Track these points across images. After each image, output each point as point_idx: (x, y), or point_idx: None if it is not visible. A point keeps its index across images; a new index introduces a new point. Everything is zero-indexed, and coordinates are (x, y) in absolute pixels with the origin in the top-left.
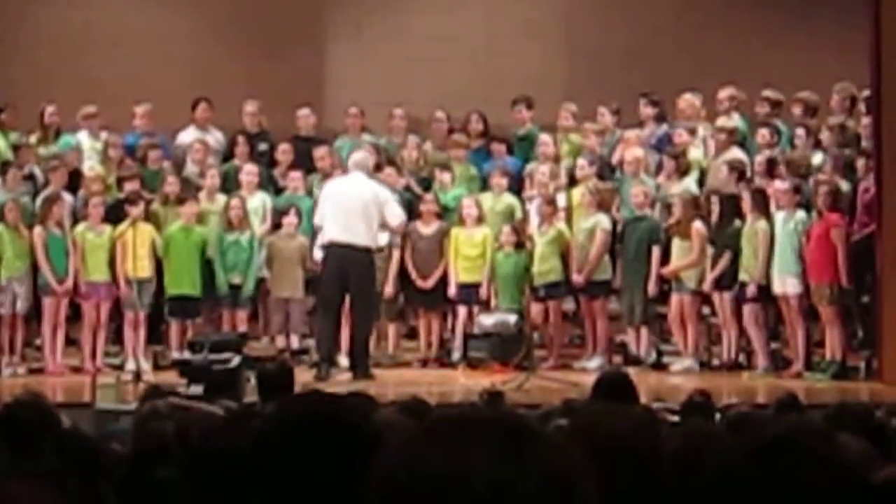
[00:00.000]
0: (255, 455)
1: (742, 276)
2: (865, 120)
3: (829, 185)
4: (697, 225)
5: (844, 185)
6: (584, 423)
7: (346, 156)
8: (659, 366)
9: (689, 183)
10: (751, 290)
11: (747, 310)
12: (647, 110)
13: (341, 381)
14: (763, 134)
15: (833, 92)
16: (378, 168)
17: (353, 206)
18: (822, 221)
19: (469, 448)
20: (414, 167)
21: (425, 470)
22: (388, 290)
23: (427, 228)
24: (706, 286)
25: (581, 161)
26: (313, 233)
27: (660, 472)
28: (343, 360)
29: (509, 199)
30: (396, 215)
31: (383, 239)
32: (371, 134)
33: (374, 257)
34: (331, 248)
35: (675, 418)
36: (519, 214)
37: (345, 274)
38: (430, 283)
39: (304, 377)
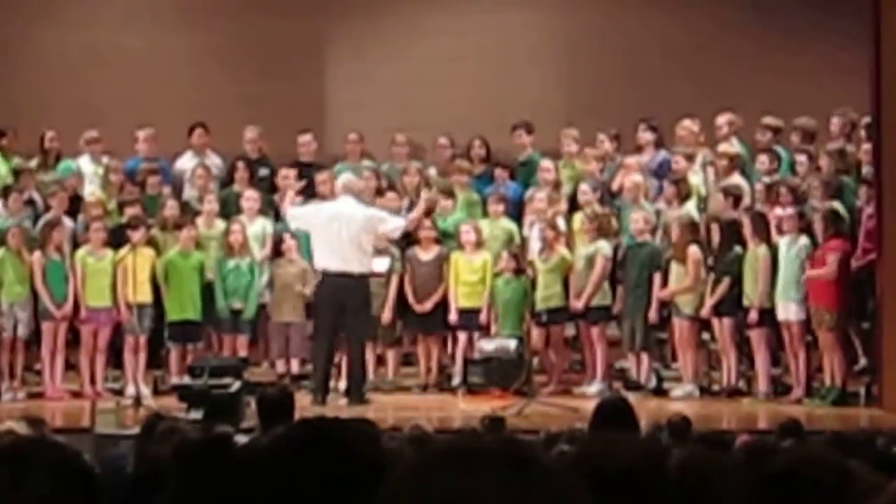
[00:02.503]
0: (260, 479)
1: (745, 302)
2: (866, 146)
3: (824, 210)
4: (693, 249)
5: (840, 208)
6: (589, 451)
7: None
8: (659, 391)
9: (690, 208)
10: (752, 316)
11: (754, 335)
12: (645, 135)
13: (338, 407)
14: (763, 160)
15: (833, 117)
16: (379, 193)
17: (343, 233)
18: (822, 246)
19: (476, 476)
20: (416, 192)
21: (432, 498)
22: (387, 315)
23: (426, 254)
24: (705, 312)
25: (584, 187)
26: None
27: (664, 501)
28: (341, 385)
29: (507, 224)
30: (397, 226)
31: (383, 265)
32: (371, 160)
33: (368, 283)
34: (324, 277)
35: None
36: (517, 240)
37: (339, 302)
38: (428, 306)
39: (304, 402)
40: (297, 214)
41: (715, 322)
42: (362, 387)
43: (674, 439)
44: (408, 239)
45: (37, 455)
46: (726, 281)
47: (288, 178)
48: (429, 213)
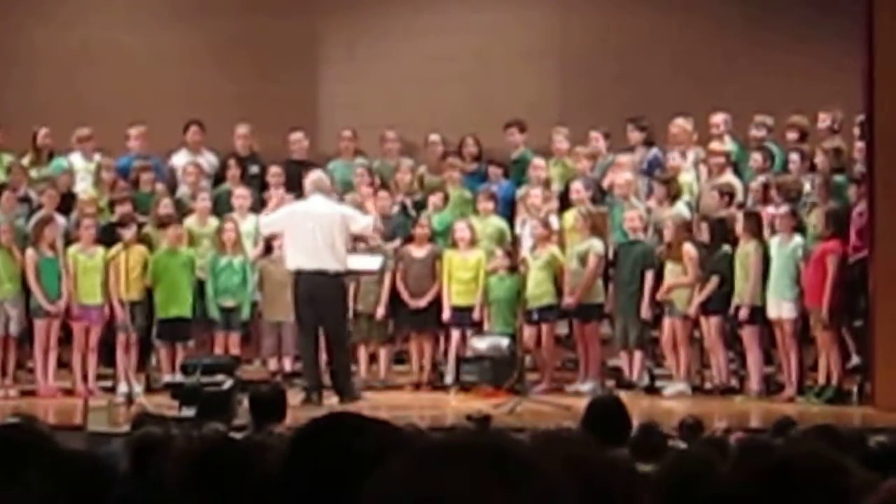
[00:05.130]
0: (280, 479)
1: (736, 300)
2: (859, 144)
3: (825, 209)
4: (688, 247)
5: (839, 208)
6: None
7: (339, 179)
8: (651, 390)
9: (681, 207)
10: (743, 314)
11: (746, 333)
12: (634, 135)
13: (331, 406)
14: (756, 158)
15: (821, 113)
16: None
17: (317, 232)
18: (820, 246)
19: (452, 474)
20: (408, 190)
21: (416, 495)
22: (381, 312)
23: (419, 251)
24: (692, 310)
25: (576, 185)
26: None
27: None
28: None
29: (497, 221)
30: (366, 223)
31: (376, 263)
32: (365, 157)
33: (343, 281)
34: (299, 276)
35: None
36: (508, 237)
37: (314, 301)
38: (422, 303)
39: (296, 400)
40: (268, 221)
41: (702, 320)
42: (349, 383)
43: (686, 440)
44: (403, 236)
45: (36, 452)
46: (714, 279)
47: (277, 176)
48: (420, 210)
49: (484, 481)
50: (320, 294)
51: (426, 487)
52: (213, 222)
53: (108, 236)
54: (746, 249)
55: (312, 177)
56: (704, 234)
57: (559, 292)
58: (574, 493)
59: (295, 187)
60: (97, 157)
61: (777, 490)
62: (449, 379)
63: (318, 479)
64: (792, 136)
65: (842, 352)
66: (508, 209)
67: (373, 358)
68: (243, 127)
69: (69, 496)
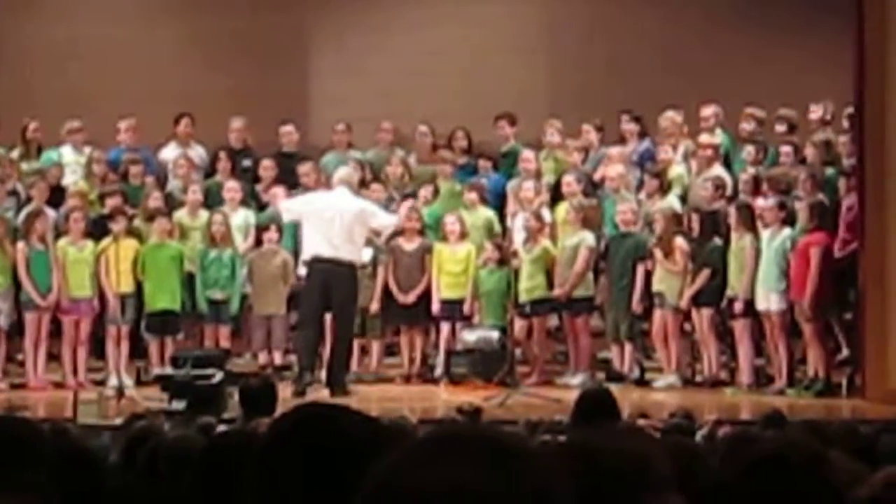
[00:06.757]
0: (258, 469)
1: (730, 293)
2: (843, 138)
3: (811, 201)
4: (679, 240)
5: (825, 201)
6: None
7: (333, 172)
8: (642, 382)
9: (672, 200)
10: (738, 307)
11: (737, 326)
12: (628, 126)
13: (320, 398)
14: (749, 151)
15: (812, 105)
16: (363, 184)
17: (336, 221)
18: (805, 239)
19: (459, 465)
20: (399, 183)
21: (414, 486)
22: (375, 306)
23: (409, 245)
24: (683, 303)
25: (568, 178)
26: (296, 246)
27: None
28: (322, 375)
29: (487, 214)
30: (389, 223)
31: (367, 255)
32: (357, 150)
33: (356, 273)
34: (314, 264)
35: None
36: (497, 229)
37: (328, 289)
38: (411, 298)
39: (286, 393)
40: (289, 207)
41: (694, 313)
42: (344, 378)
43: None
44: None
45: (29, 447)
46: (705, 272)
47: (269, 169)
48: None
49: (487, 471)
50: (334, 283)
51: (432, 478)
52: (204, 215)
53: (98, 229)
54: (742, 244)
55: (341, 172)
56: (695, 227)
57: (552, 285)
58: (570, 482)
59: (286, 180)
60: (87, 149)
61: (766, 482)
62: (439, 372)
63: (297, 469)
64: (780, 128)
65: (832, 344)
66: (498, 202)
67: (363, 350)
68: (238, 121)
69: (62, 491)
